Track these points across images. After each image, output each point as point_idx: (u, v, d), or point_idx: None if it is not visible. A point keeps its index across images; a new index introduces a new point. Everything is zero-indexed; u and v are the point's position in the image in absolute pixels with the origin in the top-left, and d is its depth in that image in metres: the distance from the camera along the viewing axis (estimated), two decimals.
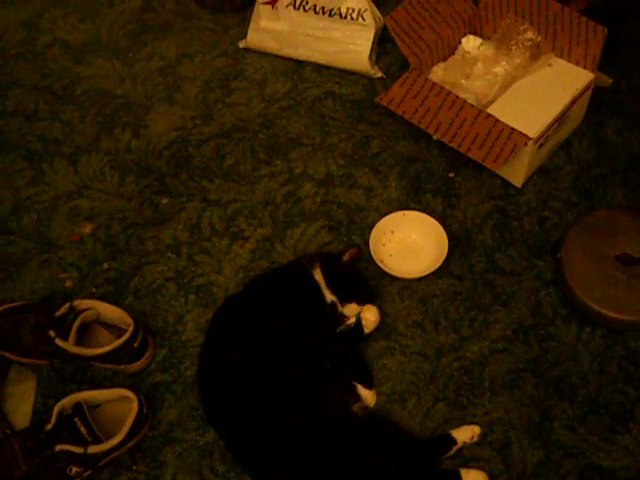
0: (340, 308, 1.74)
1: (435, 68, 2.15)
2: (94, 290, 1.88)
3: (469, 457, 1.58)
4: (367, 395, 1.65)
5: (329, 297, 1.73)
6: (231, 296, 1.81)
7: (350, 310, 1.74)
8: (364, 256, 1.86)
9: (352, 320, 1.74)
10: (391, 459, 1.52)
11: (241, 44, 2.42)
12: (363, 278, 1.84)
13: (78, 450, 1.50)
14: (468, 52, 2.16)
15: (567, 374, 1.68)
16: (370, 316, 1.73)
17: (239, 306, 1.73)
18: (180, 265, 1.92)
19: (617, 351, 1.71)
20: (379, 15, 2.31)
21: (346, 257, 1.77)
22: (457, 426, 1.61)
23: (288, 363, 1.60)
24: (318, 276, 1.74)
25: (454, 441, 1.58)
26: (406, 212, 1.94)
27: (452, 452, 1.58)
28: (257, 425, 1.53)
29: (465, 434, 1.59)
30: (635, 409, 1.63)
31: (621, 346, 1.72)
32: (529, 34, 2.03)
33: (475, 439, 1.60)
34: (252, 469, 1.56)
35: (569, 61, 2.03)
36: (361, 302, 1.75)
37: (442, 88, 1.99)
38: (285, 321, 1.66)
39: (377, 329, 1.76)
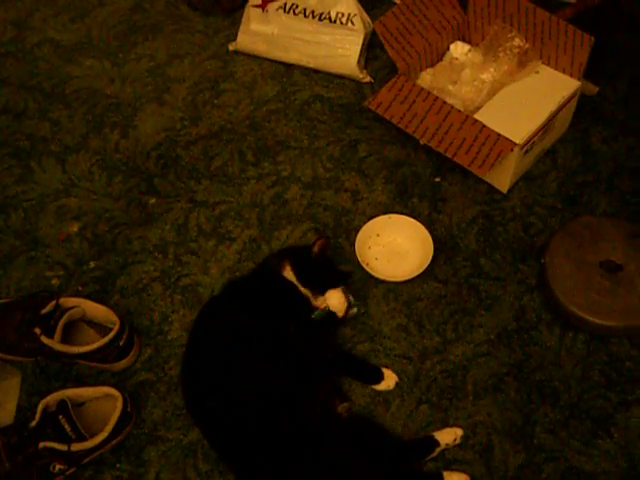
0: (314, 301, 1.74)
1: (423, 73, 2.16)
2: (80, 288, 1.88)
3: (451, 459, 1.59)
4: (384, 382, 1.69)
5: (303, 291, 1.74)
6: (214, 297, 1.82)
7: (321, 301, 1.75)
8: (349, 258, 1.87)
9: (322, 308, 1.74)
10: (374, 460, 1.53)
11: (231, 46, 2.43)
12: (333, 267, 1.85)
13: (62, 447, 1.50)
14: (456, 58, 2.18)
15: (549, 379, 1.70)
16: (333, 302, 1.74)
17: (222, 307, 1.74)
18: (166, 265, 1.92)
19: (599, 357, 1.72)
20: (368, 20, 2.32)
21: (315, 249, 1.78)
22: (440, 428, 1.62)
23: (272, 363, 1.60)
24: (289, 274, 1.74)
25: (437, 443, 1.59)
26: (392, 216, 1.95)
27: (435, 454, 1.58)
28: (241, 424, 1.53)
29: (448, 436, 1.60)
30: (616, 414, 1.64)
31: (603, 352, 1.73)
32: (517, 41, 2.05)
33: (458, 441, 1.61)
34: (236, 468, 1.57)
35: (556, 69, 2.04)
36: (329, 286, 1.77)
37: (430, 93, 2.00)
38: (267, 321, 1.67)
39: (361, 331, 1.78)
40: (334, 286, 1.76)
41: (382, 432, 1.62)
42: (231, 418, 1.54)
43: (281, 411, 1.54)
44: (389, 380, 1.70)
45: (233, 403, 1.55)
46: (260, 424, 1.52)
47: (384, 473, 1.52)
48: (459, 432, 1.61)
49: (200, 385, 1.62)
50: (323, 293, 1.75)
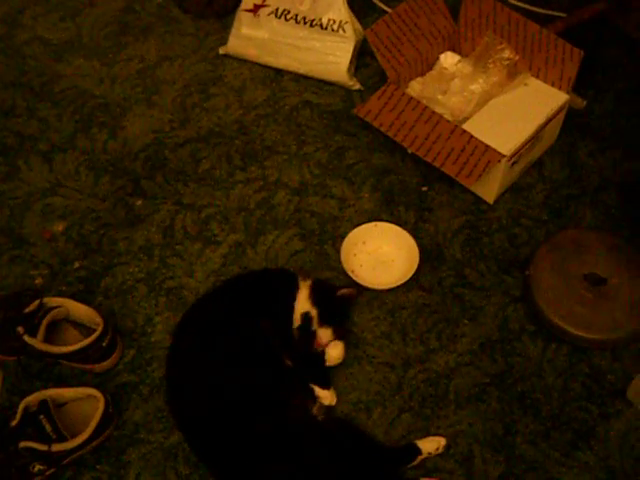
0: (315, 325, 1.71)
1: (413, 83, 2.17)
2: (64, 288, 1.87)
3: (432, 468, 1.59)
4: (324, 395, 1.65)
5: (306, 307, 1.72)
6: (200, 298, 1.82)
7: (324, 334, 1.71)
8: (334, 265, 1.88)
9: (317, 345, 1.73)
10: (355, 464, 1.53)
11: (221, 50, 2.43)
12: (348, 315, 1.83)
13: (42, 448, 1.49)
14: (446, 68, 2.18)
15: (531, 390, 1.70)
16: (334, 353, 1.71)
17: (206, 308, 1.75)
18: (152, 267, 1.92)
19: (581, 369, 1.73)
20: (360, 28, 2.33)
21: (342, 292, 1.77)
22: (422, 437, 1.62)
23: (251, 364, 1.61)
24: (304, 286, 1.74)
25: (419, 451, 1.59)
26: (378, 223, 1.96)
27: (416, 462, 1.59)
28: (222, 427, 1.53)
29: (430, 445, 1.60)
30: (597, 426, 1.65)
31: (585, 364, 1.74)
32: (507, 53, 2.06)
33: (440, 450, 1.61)
34: (217, 471, 1.57)
35: (545, 81, 2.06)
36: (336, 333, 1.73)
37: (419, 102, 2.01)
38: (249, 319, 1.67)
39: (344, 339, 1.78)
40: (336, 328, 1.73)
41: (364, 437, 1.63)
42: (212, 420, 1.55)
43: (259, 413, 1.54)
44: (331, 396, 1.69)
45: (214, 405, 1.55)
46: (240, 426, 1.53)
47: (364, 478, 1.53)
48: (442, 442, 1.61)
49: (182, 388, 1.62)
50: (327, 324, 1.72)
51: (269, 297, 1.74)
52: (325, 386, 1.67)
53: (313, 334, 1.71)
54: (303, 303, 1.73)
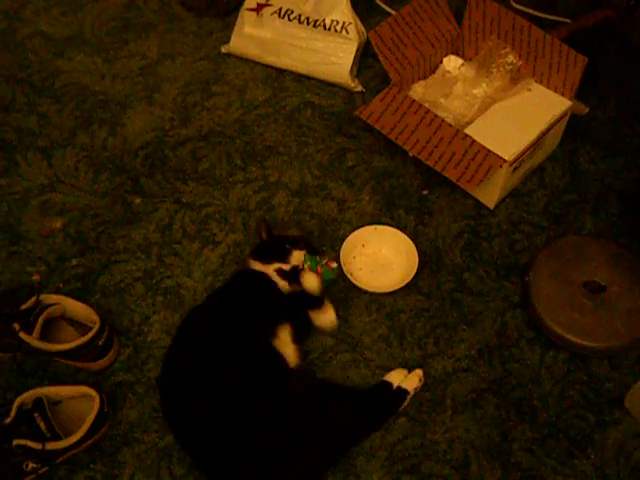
0: (286, 267, 1.76)
1: (415, 86, 2.16)
2: (61, 286, 1.87)
3: (427, 474, 1.58)
4: (319, 317, 1.71)
5: (273, 268, 1.75)
6: (197, 306, 1.81)
7: (296, 257, 1.77)
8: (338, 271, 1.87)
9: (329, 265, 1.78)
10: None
11: (223, 49, 2.43)
12: (281, 236, 1.89)
13: (36, 446, 1.48)
14: (449, 72, 2.18)
15: (528, 396, 1.70)
16: (309, 282, 1.72)
17: (204, 314, 1.74)
18: (149, 266, 1.91)
19: (579, 376, 1.73)
20: (363, 29, 2.32)
21: (263, 235, 1.86)
22: (418, 441, 1.62)
23: (247, 364, 1.61)
24: (256, 265, 1.77)
25: (406, 391, 1.66)
26: (378, 227, 1.95)
27: (406, 402, 1.66)
28: (218, 431, 1.53)
29: (412, 381, 1.68)
30: (594, 434, 1.64)
31: (583, 372, 1.73)
32: (510, 58, 2.06)
33: (422, 381, 1.69)
34: (211, 473, 1.56)
35: (548, 87, 2.05)
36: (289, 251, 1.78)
37: (421, 106, 2.00)
38: (244, 324, 1.67)
39: (342, 341, 1.77)
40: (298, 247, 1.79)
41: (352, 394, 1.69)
42: (208, 425, 1.54)
43: (260, 417, 1.54)
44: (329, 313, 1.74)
45: (210, 409, 1.55)
46: (237, 431, 1.52)
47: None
48: (419, 372, 1.70)
49: (176, 390, 1.61)
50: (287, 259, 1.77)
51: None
52: (317, 307, 1.71)
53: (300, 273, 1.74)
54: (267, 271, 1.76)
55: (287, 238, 1.84)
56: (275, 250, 1.79)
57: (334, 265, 1.79)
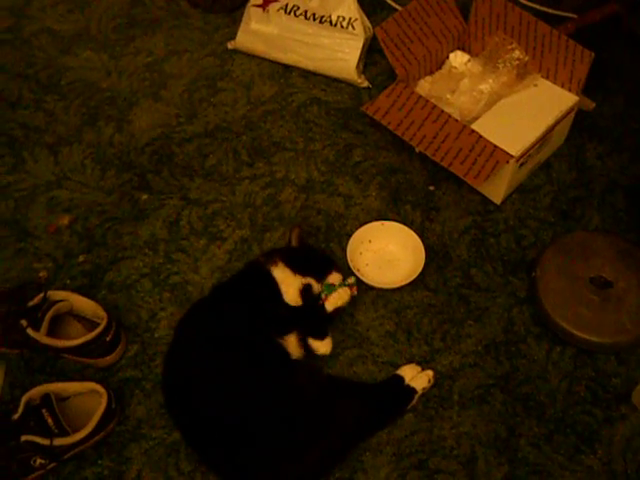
0: (317, 288, 1.74)
1: (422, 81, 2.16)
2: (68, 282, 1.87)
3: (434, 470, 1.58)
4: (317, 345, 1.69)
5: (302, 282, 1.73)
6: (200, 300, 1.80)
7: (334, 279, 1.76)
8: (340, 263, 1.86)
9: (349, 283, 1.76)
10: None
11: (230, 45, 2.43)
12: (316, 250, 1.90)
13: (44, 442, 1.49)
14: (455, 67, 2.18)
15: (535, 392, 1.69)
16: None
17: (204, 311, 1.73)
18: (156, 262, 1.91)
19: (586, 372, 1.72)
20: (369, 25, 2.32)
21: (294, 241, 1.82)
22: (425, 437, 1.62)
23: (252, 361, 1.61)
24: (278, 271, 1.73)
25: (414, 390, 1.65)
26: (385, 222, 1.95)
27: (414, 401, 1.66)
28: (224, 426, 1.53)
29: (422, 381, 1.67)
30: (601, 430, 1.64)
31: (590, 367, 1.73)
32: (517, 53, 2.05)
33: (432, 382, 1.68)
34: (217, 469, 1.57)
35: (554, 83, 2.05)
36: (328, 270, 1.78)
37: (428, 101, 2.00)
38: (250, 322, 1.66)
39: (349, 337, 1.78)
40: (330, 268, 1.78)
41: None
42: (213, 420, 1.54)
43: (263, 410, 1.55)
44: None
45: (214, 404, 1.55)
46: (242, 425, 1.52)
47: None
48: (430, 373, 1.69)
49: (182, 388, 1.61)
50: (325, 275, 1.76)
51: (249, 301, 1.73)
52: (319, 337, 1.69)
53: (318, 296, 1.73)
54: (289, 281, 1.73)
55: (319, 253, 1.86)
56: (314, 265, 1.78)
57: (354, 292, 1.78)
